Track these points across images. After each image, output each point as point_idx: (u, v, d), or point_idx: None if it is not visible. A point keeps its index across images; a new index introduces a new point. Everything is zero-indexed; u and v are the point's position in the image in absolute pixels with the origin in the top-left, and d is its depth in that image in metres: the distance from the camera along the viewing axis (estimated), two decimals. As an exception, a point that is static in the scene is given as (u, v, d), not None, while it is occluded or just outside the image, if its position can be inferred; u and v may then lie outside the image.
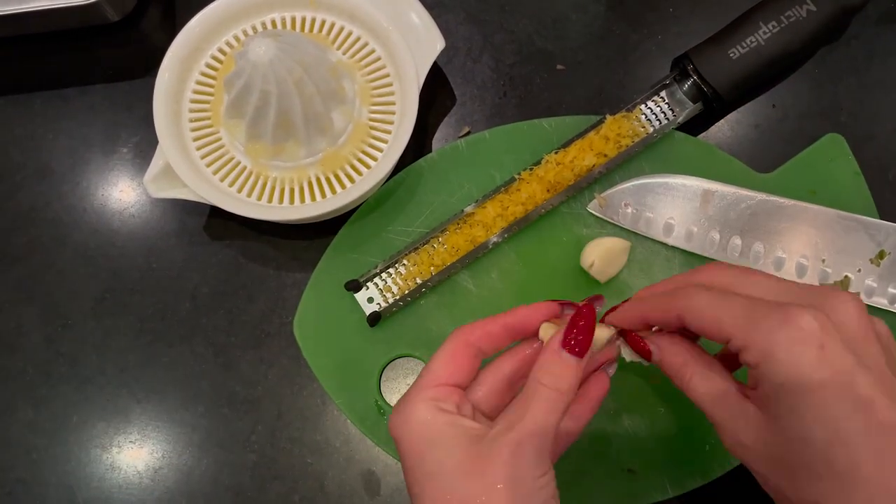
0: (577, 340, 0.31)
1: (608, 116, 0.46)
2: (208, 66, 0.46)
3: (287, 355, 0.46)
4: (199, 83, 0.46)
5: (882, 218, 0.44)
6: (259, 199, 0.44)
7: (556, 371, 0.30)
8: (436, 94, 0.50)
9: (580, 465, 0.41)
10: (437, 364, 0.32)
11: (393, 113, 0.45)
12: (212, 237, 0.48)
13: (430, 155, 0.47)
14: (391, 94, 0.46)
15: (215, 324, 0.46)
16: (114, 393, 0.46)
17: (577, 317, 0.31)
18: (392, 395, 0.44)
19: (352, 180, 0.44)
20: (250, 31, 0.47)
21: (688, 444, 0.42)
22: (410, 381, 0.44)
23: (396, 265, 0.45)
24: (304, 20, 0.47)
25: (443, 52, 0.46)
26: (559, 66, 0.50)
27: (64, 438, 0.45)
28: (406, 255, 0.45)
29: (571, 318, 0.32)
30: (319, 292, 0.45)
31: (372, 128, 0.45)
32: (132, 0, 0.52)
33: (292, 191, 0.44)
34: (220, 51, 0.47)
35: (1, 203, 0.50)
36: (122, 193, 0.50)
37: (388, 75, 0.46)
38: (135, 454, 0.45)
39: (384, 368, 0.44)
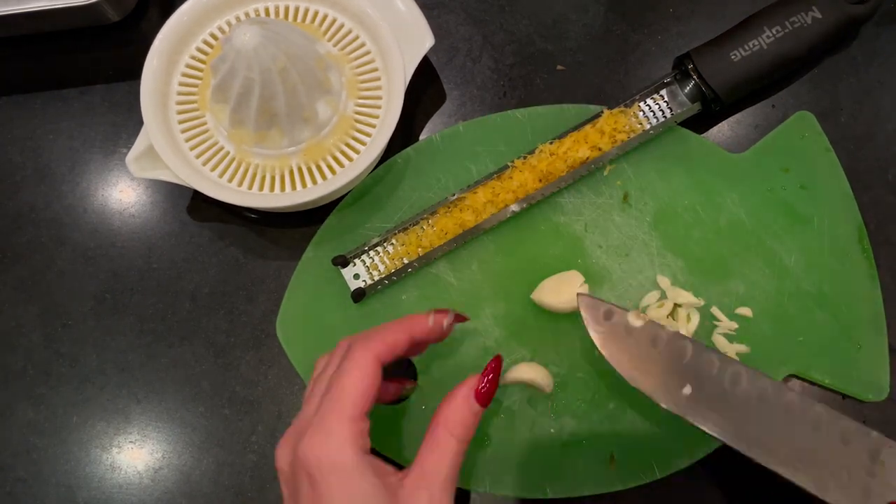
0: (487, 391, 0.34)
1: (605, 110, 0.46)
2: (199, 50, 0.47)
3: (287, 355, 0.46)
4: (189, 66, 0.46)
5: (882, 218, 0.45)
6: (240, 185, 0.44)
7: (468, 423, 0.33)
8: (428, 93, 0.50)
9: (563, 452, 0.41)
10: (357, 390, 0.32)
11: (379, 107, 0.45)
12: (212, 237, 0.48)
13: (405, 151, 0.47)
14: (378, 88, 0.46)
15: (215, 324, 0.46)
16: (114, 393, 0.46)
17: (489, 370, 0.34)
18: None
19: (333, 172, 0.44)
20: (243, 18, 0.47)
21: (671, 425, 0.42)
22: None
23: (384, 244, 0.45)
24: (297, 10, 0.47)
25: (443, 52, 0.46)
26: (559, 67, 0.50)
27: (64, 438, 0.45)
28: (395, 234, 0.45)
29: (485, 369, 0.34)
30: (300, 291, 0.45)
31: (357, 121, 0.45)
32: (132, 0, 0.52)
33: (273, 178, 0.44)
34: (213, 35, 0.47)
35: (1, 203, 0.50)
36: (122, 193, 0.50)
37: (376, 69, 0.46)
38: (135, 454, 0.45)
39: None
